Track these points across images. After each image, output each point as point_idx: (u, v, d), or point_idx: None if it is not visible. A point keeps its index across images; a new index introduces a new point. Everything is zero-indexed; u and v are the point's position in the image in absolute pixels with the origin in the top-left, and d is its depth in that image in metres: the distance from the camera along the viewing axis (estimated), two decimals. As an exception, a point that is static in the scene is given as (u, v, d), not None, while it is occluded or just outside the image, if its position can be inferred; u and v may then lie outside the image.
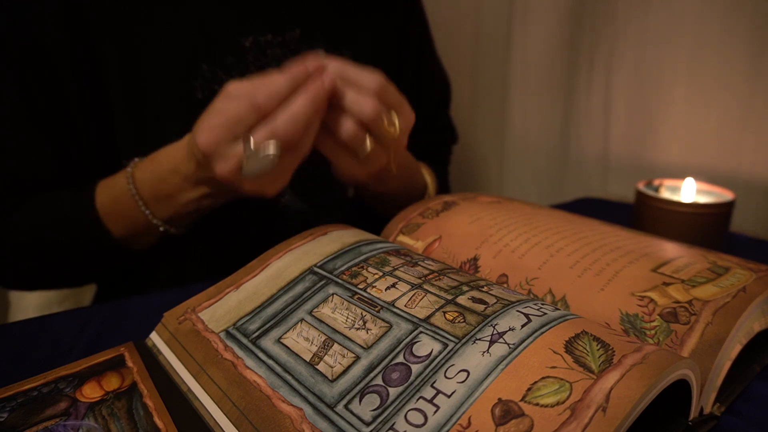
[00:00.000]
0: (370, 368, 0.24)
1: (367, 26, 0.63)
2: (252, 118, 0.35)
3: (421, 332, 0.25)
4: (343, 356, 0.25)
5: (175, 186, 0.43)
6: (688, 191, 0.54)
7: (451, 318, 0.25)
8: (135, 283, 0.56)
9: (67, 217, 0.47)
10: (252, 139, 0.35)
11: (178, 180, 0.43)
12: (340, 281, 0.30)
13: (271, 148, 0.35)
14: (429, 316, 0.25)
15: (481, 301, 0.26)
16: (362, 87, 0.38)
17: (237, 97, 0.36)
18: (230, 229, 0.54)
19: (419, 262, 0.31)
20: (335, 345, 0.26)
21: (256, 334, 0.28)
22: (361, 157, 0.41)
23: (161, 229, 0.46)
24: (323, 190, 0.58)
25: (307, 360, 0.25)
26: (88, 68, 0.49)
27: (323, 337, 0.26)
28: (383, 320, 0.26)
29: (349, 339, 0.26)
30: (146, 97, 0.50)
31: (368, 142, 0.39)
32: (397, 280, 0.29)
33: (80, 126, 0.50)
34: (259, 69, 0.53)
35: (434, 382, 0.22)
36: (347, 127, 0.38)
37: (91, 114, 0.50)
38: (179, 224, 0.47)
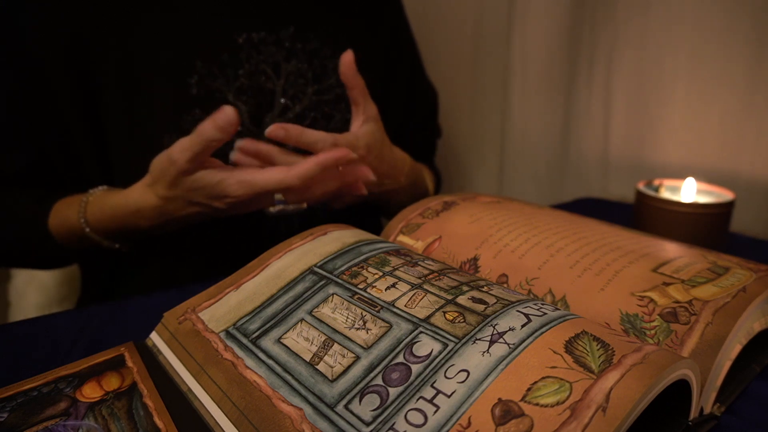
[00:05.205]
0: (370, 368, 0.24)
1: (361, 26, 0.63)
2: (281, 191, 0.44)
3: (421, 332, 0.25)
4: (343, 356, 0.25)
5: (132, 222, 0.47)
6: (688, 191, 0.54)
7: (451, 318, 0.25)
8: (125, 283, 0.56)
9: (20, 227, 0.50)
10: (281, 195, 0.45)
11: (136, 219, 0.47)
12: (340, 281, 0.30)
13: (299, 205, 0.46)
14: (429, 316, 0.25)
15: (481, 301, 0.26)
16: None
17: (273, 172, 0.43)
18: (224, 228, 0.54)
19: (419, 262, 0.31)
20: (335, 345, 0.26)
21: (256, 334, 0.28)
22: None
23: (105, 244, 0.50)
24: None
25: (307, 360, 0.25)
26: (81, 68, 0.49)
27: (323, 337, 0.26)
28: (383, 320, 0.26)
29: (349, 339, 0.26)
30: (141, 94, 0.50)
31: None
32: (397, 280, 0.29)
33: (73, 126, 0.51)
34: (252, 66, 0.53)
35: (434, 382, 0.22)
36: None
37: (84, 113, 0.51)
38: (123, 243, 0.51)
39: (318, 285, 0.30)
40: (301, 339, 0.27)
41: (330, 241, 0.35)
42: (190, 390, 0.27)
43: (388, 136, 0.70)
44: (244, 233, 0.55)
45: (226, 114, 0.38)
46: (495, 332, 0.23)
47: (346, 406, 0.22)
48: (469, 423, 0.20)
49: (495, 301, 0.26)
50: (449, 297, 0.27)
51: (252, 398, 0.24)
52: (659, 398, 0.20)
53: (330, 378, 0.24)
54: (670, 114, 0.69)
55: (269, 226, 0.55)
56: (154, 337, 0.32)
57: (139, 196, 0.45)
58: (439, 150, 0.81)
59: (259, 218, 0.55)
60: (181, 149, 0.40)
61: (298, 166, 0.42)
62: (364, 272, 0.31)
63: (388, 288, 0.28)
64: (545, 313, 0.25)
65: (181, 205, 0.44)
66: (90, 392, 0.27)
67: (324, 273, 0.31)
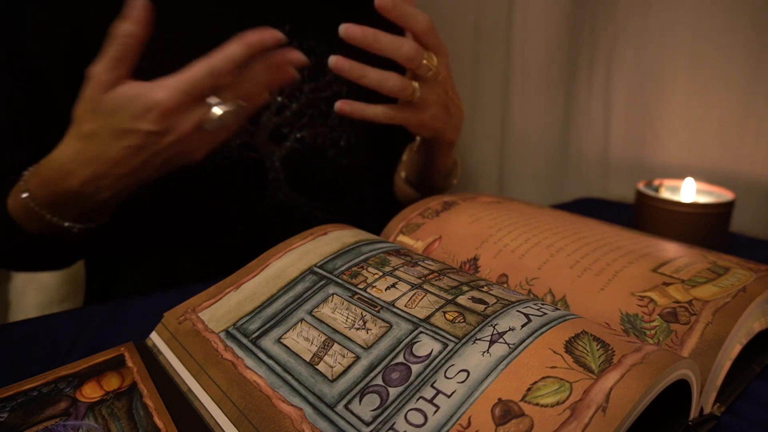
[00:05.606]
0: (370, 368, 0.24)
1: (358, 24, 0.63)
2: (211, 82, 0.38)
3: (421, 332, 0.25)
4: (343, 356, 0.25)
5: (63, 183, 0.42)
6: (688, 191, 0.54)
7: (451, 318, 0.25)
8: (126, 282, 0.56)
9: None
10: (215, 98, 0.39)
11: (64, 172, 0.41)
12: (340, 281, 0.30)
13: (238, 103, 0.40)
14: (429, 316, 0.25)
15: (481, 301, 0.26)
16: (412, 28, 0.44)
17: (196, 64, 0.39)
18: (222, 227, 0.54)
19: (419, 262, 0.31)
20: (335, 345, 0.26)
21: (256, 334, 0.28)
22: (413, 99, 0.45)
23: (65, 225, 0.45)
24: (323, 186, 0.58)
25: (307, 360, 0.25)
26: (81, 68, 0.49)
27: (323, 337, 0.26)
28: (383, 320, 0.26)
29: (349, 339, 0.26)
30: None
31: (415, 85, 0.45)
32: (397, 280, 0.29)
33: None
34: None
35: (434, 382, 0.22)
36: (393, 78, 0.44)
37: None
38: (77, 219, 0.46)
39: (318, 285, 0.30)
40: (301, 339, 0.27)
41: (330, 241, 0.35)
42: (190, 390, 0.27)
43: (388, 135, 0.69)
44: (244, 232, 0.55)
45: (139, 3, 0.35)
46: (495, 332, 0.23)
47: (346, 406, 0.22)
48: (469, 423, 0.20)
49: (495, 301, 0.26)
50: (449, 297, 0.27)
51: (252, 398, 0.24)
52: (659, 398, 0.20)
53: (330, 378, 0.24)
54: (670, 114, 0.69)
55: (269, 224, 0.55)
56: (154, 337, 0.32)
57: (59, 150, 0.41)
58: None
59: (260, 215, 0.55)
60: (96, 62, 0.37)
61: (221, 49, 0.39)
62: (364, 272, 0.31)
63: (388, 288, 0.28)
64: (545, 313, 0.25)
65: (106, 141, 0.39)
66: (90, 392, 0.27)
67: (324, 273, 0.31)
